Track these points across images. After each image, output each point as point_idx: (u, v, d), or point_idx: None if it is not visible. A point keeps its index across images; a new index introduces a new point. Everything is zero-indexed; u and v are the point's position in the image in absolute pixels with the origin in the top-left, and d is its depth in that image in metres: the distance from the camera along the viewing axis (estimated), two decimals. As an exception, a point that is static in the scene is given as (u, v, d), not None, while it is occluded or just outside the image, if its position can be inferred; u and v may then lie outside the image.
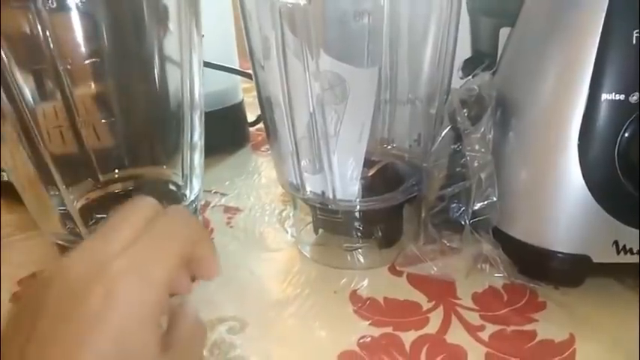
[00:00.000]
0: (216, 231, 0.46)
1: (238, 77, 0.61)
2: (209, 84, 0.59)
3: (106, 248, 0.20)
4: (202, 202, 0.51)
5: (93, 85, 0.38)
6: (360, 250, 0.41)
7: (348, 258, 0.41)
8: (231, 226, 0.47)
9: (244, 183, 0.54)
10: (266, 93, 0.39)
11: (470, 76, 0.41)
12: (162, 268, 0.20)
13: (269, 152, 0.62)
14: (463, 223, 0.34)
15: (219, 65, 0.55)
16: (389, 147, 0.44)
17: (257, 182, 0.55)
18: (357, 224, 0.40)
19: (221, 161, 0.60)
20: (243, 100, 0.63)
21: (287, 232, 0.45)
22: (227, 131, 0.60)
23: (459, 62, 0.52)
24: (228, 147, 0.61)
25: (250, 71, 0.40)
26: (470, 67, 0.47)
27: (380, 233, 0.40)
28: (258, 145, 0.64)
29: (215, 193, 0.52)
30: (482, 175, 0.34)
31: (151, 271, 0.20)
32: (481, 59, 0.45)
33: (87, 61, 0.36)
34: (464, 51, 0.52)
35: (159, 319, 0.20)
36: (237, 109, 0.62)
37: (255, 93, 0.72)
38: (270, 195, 0.52)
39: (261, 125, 0.67)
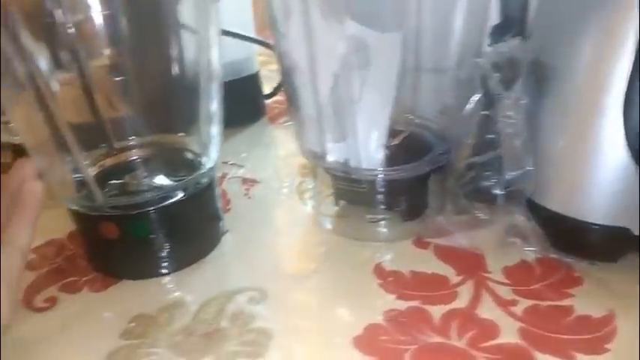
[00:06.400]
0: (233, 202, 0.44)
1: (254, 47, 0.59)
2: (224, 53, 0.57)
3: None
4: (219, 174, 0.49)
5: (108, 52, 0.37)
6: (383, 222, 0.39)
7: (371, 230, 0.39)
8: (249, 197, 0.45)
9: (261, 155, 0.53)
10: (287, 60, 0.37)
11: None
12: None
13: (286, 125, 0.60)
14: (496, 193, 0.33)
15: (237, 34, 0.53)
16: (412, 117, 0.42)
17: (274, 154, 0.53)
18: (380, 195, 0.38)
19: (237, 133, 0.58)
20: (259, 71, 0.61)
21: (306, 205, 0.44)
22: (243, 103, 0.58)
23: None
24: (244, 119, 0.60)
25: (268, 40, 0.38)
26: (498, 33, 0.44)
27: (404, 204, 0.38)
28: (274, 118, 0.62)
29: (232, 164, 0.51)
30: (517, 143, 0.32)
31: None
32: (510, 26, 0.43)
33: (101, 28, 0.35)
34: (492, 17, 0.49)
35: None
36: (253, 80, 0.60)
37: (270, 67, 0.71)
38: (287, 167, 0.50)
39: (277, 98, 0.66)
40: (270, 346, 0.29)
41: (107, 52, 0.36)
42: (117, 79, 0.37)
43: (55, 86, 0.33)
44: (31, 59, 0.29)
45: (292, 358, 0.29)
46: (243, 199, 0.45)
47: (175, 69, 0.38)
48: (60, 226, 0.42)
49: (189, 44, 0.38)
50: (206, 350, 0.29)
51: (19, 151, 0.54)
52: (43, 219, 0.43)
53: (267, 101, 0.63)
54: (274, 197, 0.45)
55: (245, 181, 0.48)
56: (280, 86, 0.64)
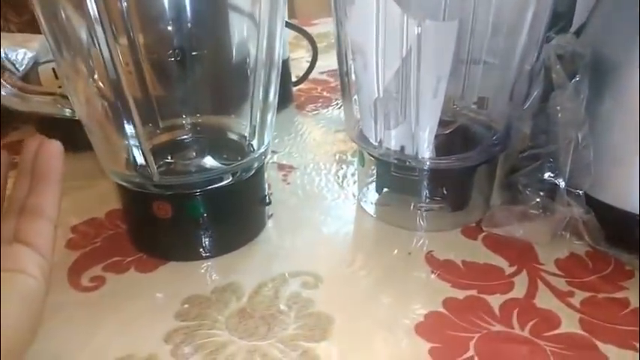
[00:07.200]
0: (273, 187, 0.44)
1: (286, 33, 0.59)
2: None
3: None
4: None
5: (160, 30, 0.36)
6: (430, 211, 0.39)
7: (418, 219, 0.39)
8: (288, 183, 0.45)
9: (294, 142, 0.52)
10: (346, 44, 0.37)
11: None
12: None
13: (314, 113, 0.60)
14: (557, 185, 0.33)
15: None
16: (461, 107, 0.42)
17: (307, 141, 0.53)
18: (430, 183, 0.38)
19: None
20: (289, 57, 0.60)
21: (346, 191, 0.44)
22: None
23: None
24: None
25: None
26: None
27: (453, 194, 0.38)
28: (301, 106, 0.62)
29: (265, 150, 0.50)
30: (579, 135, 0.32)
31: None
32: (556, 20, 0.43)
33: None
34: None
35: None
36: (284, 66, 0.59)
37: (292, 54, 0.70)
38: (322, 154, 0.50)
39: (303, 86, 0.65)
40: (333, 330, 0.29)
41: (163, 28, 0.35)
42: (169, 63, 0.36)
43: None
44: (99, 24, 0.28)
45: (356, 343, 0.29)
46: (282, 185, 0.45)
47: (232, 53, 0.37)
48: (97, 205, 0.42)
49: (252, 30, 0.37)
50: (268, 333, 0.29)
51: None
52: (80, 198, 0.43)
53: (294, 88, 0.63)
54: (313, 183, 0.45)
55: (281, 166, 0.47)
56: (307, 74, 0.63)
